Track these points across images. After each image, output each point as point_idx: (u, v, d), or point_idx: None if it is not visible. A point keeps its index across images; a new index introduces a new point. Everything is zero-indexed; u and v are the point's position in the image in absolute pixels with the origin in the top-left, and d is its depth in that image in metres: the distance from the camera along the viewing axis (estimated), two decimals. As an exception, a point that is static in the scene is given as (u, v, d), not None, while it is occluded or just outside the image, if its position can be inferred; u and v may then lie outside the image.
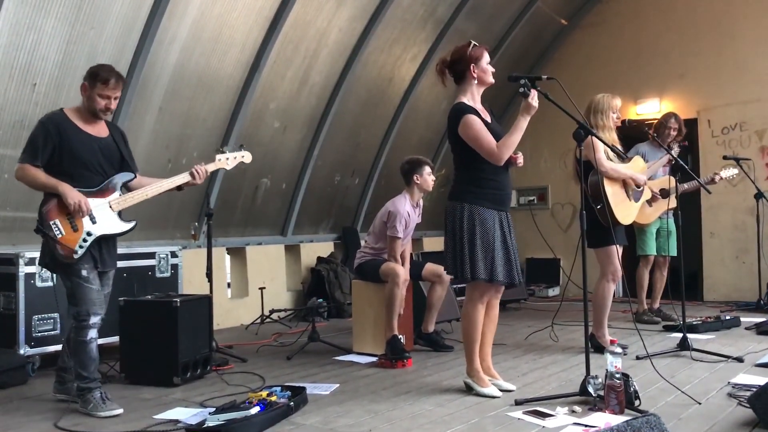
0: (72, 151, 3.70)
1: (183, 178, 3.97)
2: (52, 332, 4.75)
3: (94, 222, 3.71)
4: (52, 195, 3.66)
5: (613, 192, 4.92)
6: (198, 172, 3.97)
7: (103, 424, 3.52)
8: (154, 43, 5.44)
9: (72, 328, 3.77)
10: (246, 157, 4.30)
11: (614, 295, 5.15)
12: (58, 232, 3.62)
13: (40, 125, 3.72)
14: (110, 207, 3.77)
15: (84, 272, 3.69)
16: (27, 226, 5.22)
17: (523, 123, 3.80)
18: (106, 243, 3.82)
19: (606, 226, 4.73)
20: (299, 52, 6.79)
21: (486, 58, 3.96)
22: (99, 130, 3.85)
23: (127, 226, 3.84)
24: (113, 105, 3.81)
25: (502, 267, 3.84)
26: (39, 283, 4.71)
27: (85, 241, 3.67)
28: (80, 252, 3.65)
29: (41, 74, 4.94)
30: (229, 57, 6.21)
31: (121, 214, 3.84)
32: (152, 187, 3.90)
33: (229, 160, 4.22)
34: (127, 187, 3.90)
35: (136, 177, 3.95)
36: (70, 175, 3.69)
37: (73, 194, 3.62)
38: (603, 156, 4.85)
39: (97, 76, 3.72)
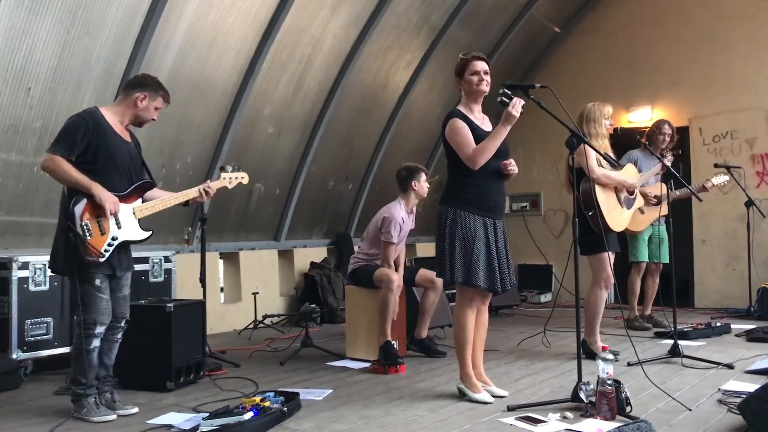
0: (108, 151, 3.67)
1: (193, 193, 3.99)
2: (45, 336, 4.75)
3: (119, 227, 3.69)
4: (82, 194, 3.60)
5: (604, 199, 4.95)
6: (209, 191, 4.01)
7: (96, 429, 3.52)
8: (149, 49, 5.44)
9: (77, 335, 3.70)
10: (244, 178, 4.34)
11: (606, 302, 5.17)
12: (88, 233, 3.59)
13: (79, 118, 3.66)
14: (134, 213, 3.77)
15: (97, 281, 3.65)
16: (20, 230, 5.23)
17: (503, 131, 3.83)
18: (123, 248, 3.79)
19: (598, 233, 4.75)
20: (294, 58, 6.81)
21: (470, 68, 3.94)
22: (126, 134, 3.85)
23: (145, 235, 3.83)
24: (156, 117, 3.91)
25: (483, 272, 3.86)
26: (32, 288, 4.70)
27: (110, 245, 3.65)
28: (106, 255, 3.63)
29: (36, 78, 4.94)
30: (224, 62, 6.22)
31: (140, 222, 3.82)
32: (170, 198, 3.91)
33: (232, 180, 4.27)
34: (144, 197, 3.88)
35: (156, 186, 3.97)
36: (103, 175, 3.64)
37: (108, 196, 3.60)
38: (594, 163, 4.88)
39: (159, 91, 3.81)
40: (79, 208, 3.59)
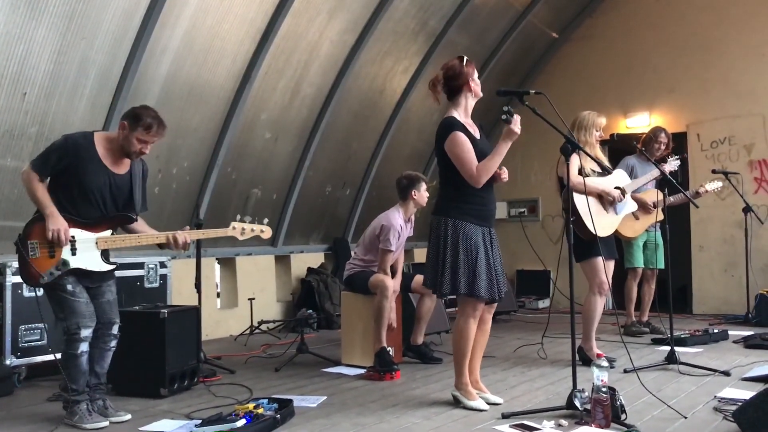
0: (80, 178, 3.61)
1: (161, 239, 3.75)
2: (39, 342, 4.73)
3: (74, 254, 3.61)
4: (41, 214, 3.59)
5: (584, 204, 4.89)
6: (177, 240, 3.71)
7: (88, 436, 3.51)
8: (145, 54, 5.44)
9: (63, 341, 3.67)
10: (265, 232, 3.97)
11: (604, 308, 5.15)
12: (33, 252, 3.55)
13: (62, 140, 3.65)
14: (96, 244, 3.67)
15: (69, 286, 3.61)
16: (14, 236, 5.16)
17: (504, 148, 3.83)
18: (86, 275, 3.69)
19: (586, 239, 4.73)
20: (291, 64, 6.80)
21: (474, 71, 4.02)
22: (120, 165, 3.73)
23: (106, 268, 3.72)
24: (148, 150, 3.71)
25: (484, 282, 3.85)
26: (26, 293, 4.68)
27: (58, 269, 3.57)
28: (46, 279, 3.56)
29: (32, 84, 4.93)
30: (221, 68, 6.22)
31: (106, 254, 3.72)
32: (144, 237, 3.75)
33: (245, 231, 3.92)
34: (125, 229, 3.79)
35: (136, 220, 3.81)
36: (71, 198, 3.63)
37: (55, 222, 3.53)
38: (574, 171, 4.82)
39: (140, 121, 3.62)
40: (33, 226, 3.58)
